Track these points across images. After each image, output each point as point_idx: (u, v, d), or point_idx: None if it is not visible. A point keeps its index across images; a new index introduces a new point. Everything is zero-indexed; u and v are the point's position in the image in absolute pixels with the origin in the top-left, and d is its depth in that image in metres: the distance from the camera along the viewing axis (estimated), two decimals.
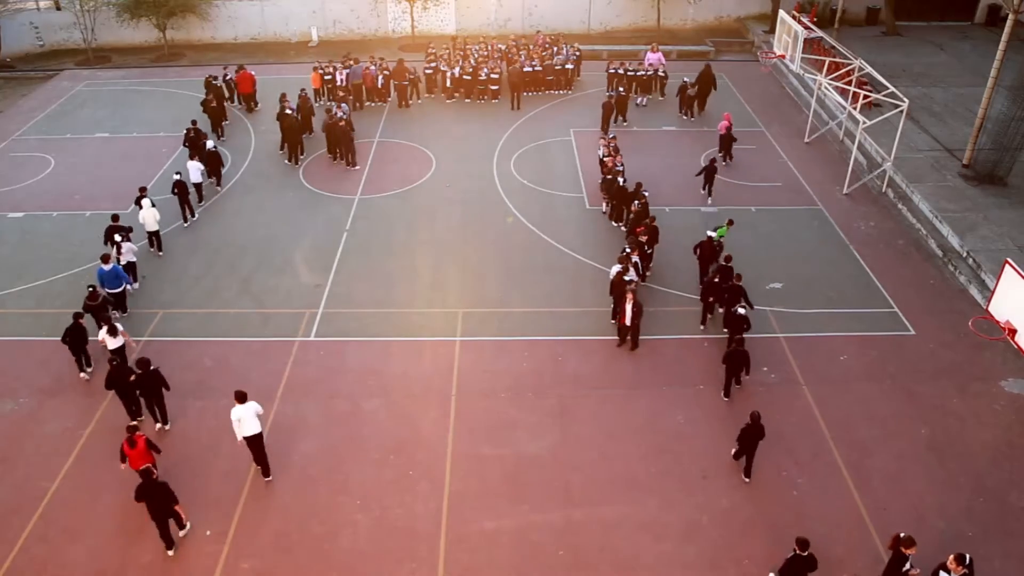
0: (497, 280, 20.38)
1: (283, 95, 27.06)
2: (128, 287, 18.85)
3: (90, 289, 17.67)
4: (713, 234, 19.70)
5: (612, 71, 31.01)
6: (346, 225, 22.86)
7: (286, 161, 26.48)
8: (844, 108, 26.50)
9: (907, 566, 11.76)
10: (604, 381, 17.05)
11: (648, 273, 19.95)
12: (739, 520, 13.91)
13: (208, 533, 13.71)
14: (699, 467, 14.96)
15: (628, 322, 17.39)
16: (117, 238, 19.59)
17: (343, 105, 27.43)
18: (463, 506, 14.21)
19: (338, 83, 30.18)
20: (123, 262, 19.13)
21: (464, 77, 31.11)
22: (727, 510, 14.10)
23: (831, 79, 26.23)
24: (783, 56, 28.01)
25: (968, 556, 11.49)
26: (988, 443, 15.48)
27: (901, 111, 23.30)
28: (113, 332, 16.34)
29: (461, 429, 15.83)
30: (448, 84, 31.39)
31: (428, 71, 31.66)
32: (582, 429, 15.82)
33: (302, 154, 26.64)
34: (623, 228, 22.15)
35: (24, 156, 27.21)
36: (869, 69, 25.24)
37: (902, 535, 11.86)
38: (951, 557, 11.50)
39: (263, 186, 25.05)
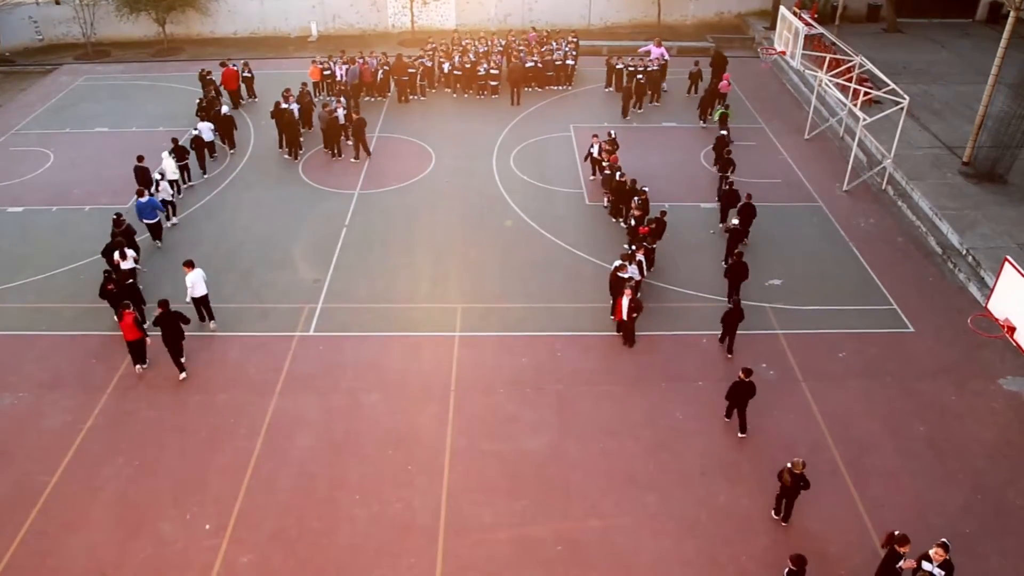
0: (496, 276, 20.37)
1: (286, 90, 27.05)
2: (166, 222, 22.05)
3: (115, 216, 19.90)
4: (725, 132, 25.15)
5: (627, 68, 30.87)
6: (345, 220, 22.85)
7: (286, 156, 26.46)
8: (844, 105, 26.48)
9: (900, 563, 11.79)
10: (603, 377, 17.07)
11: (651, 269, 19.93)
12: (737, 516, 13.93)
13: (207, 527, 13.73)
14: (698, 463, 14.98)
15: (624, 317, 17.39)
16: (156, 176, 22.10)
17: (342, 100, 27.40)
18: (462, 501, 14.24)
19: (338, 78, 30.16)
20: (160, 199, 21.69)
21: (455, 73, 31.13)
22: (725, 506, 14.12)
23: (831, 76, 26.19)
24: (783, 52, 27.98)
25: (947, 543, 11.69)
26: (986, 441, 15.50)
27: (901, 108, 23.28)
28: (124, 256, 18.70)
29: (460, 424, 15.85)
30: (416, 80, 31.11)
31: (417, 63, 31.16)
32: (581, 425, 15.84)
33: (301, 149, 26.63)
34: (623, 224, 22.14)
35: (23, 151, 27.17)
36: (870, 66, 25.20)
37: (896, 533, 11.89)
38: (935, 546, 11.65)
39: (262, 181, 25.03)
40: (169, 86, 32.60)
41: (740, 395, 15.20)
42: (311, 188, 24.64)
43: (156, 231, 21.21)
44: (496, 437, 15.56)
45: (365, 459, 15.08)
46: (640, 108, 29.64)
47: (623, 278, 17.77)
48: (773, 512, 13.90)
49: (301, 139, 26.68)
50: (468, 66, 31.11)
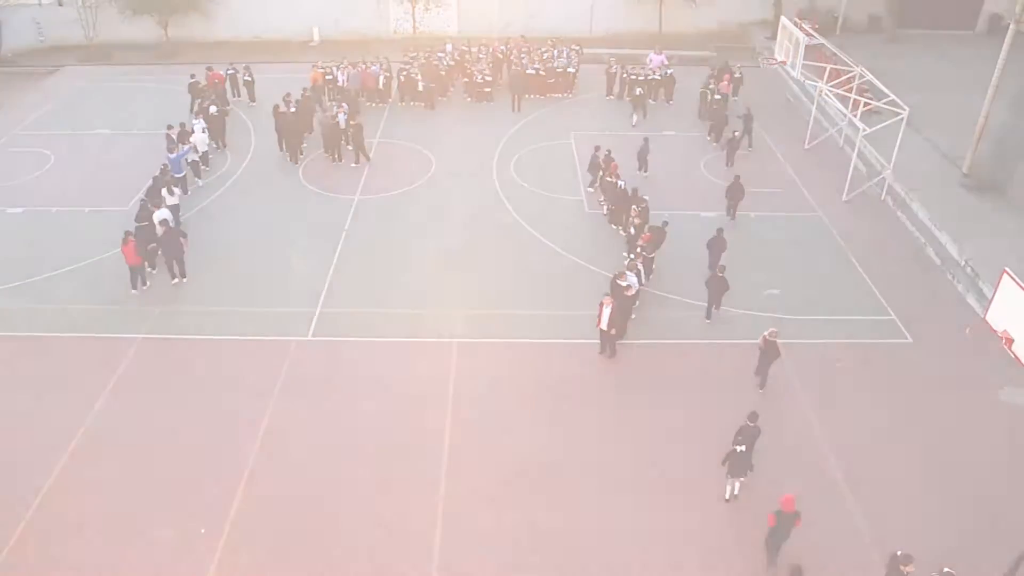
0: (495, 282, 20.37)
1: (287, 94, 27.07)
2: (198, 181, 24.95)
3: (163, 166, 22.88)
4: (720, 96, 28.65)
5: (628, 76, 30.89)
6: (345, 225, 22.86)
7: (287, 160, 26.47)
8: (844, 115, 26.53)
9: None
10: (601, 384, 17.06)
11: (650, 277, 19.95)
12: (734, 525, 13.90)
13: (203, 531, 13.69)
14: (696, 470, 14.95)
15: (604, 326, 17.34)
16: (192, 140, 24.83)
17: (343, 105, 27.45)
18: (458, 507, 14.21)
19: (339, 83, 30.21)
20: (189, 160, 24.18)
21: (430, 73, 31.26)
22: (722, 514, 14.10)
23: (832, 86, 26.26)
24: (784, 62, 28.06)
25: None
26: (984, 451, 15.48)
27: (901, 119, 23.34)
28: (171, 192, 21.72)
29: (457, 430, 15.83)
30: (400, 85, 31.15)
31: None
32: (578, 431, 15.82)
33: (302, 154, 26.64)
34: (622, 232, 22.13)
35: (24, 152, 27.19)
36: (870, 76, 25.28)
37: (899, 553, 11.78)
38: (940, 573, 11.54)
39: (262, 185, 25.06)
40: (170, 89, 32.57)
41: (715, 288, 18.28)
42: (311, 192, 24.65)
43: (182, 185, 23.32)
44: (493, 443, 15.54)
45: (362, 464, 15.05)
46: (644, 116, 29.67)
47: (622, 285, 17.77)
48: (755, 372, 16.82)
49: (304, 145, 26.75)
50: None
